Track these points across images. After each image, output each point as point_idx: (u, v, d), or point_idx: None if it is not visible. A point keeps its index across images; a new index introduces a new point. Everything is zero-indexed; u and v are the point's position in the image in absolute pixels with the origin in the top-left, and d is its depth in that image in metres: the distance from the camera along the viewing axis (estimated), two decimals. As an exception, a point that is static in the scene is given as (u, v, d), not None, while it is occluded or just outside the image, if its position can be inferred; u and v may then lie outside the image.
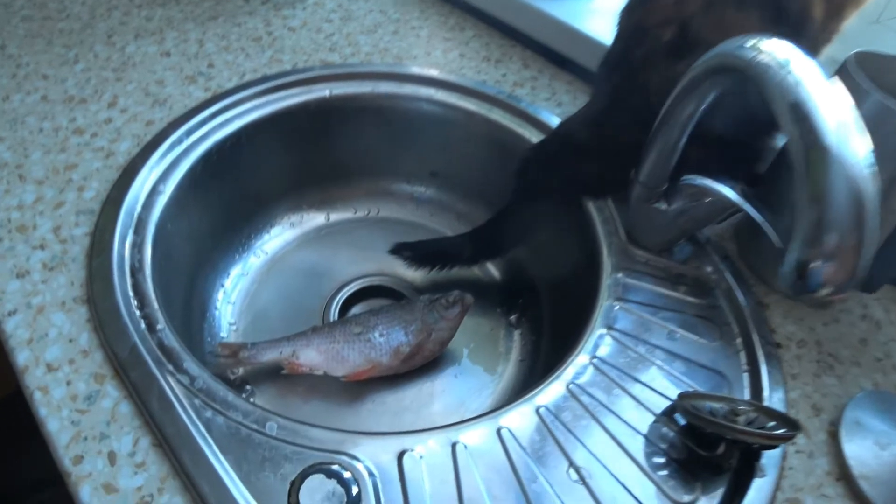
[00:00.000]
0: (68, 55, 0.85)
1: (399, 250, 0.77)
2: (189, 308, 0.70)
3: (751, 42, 0.43)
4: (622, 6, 0.69)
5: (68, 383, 0.52)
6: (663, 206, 0.65)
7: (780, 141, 0.67)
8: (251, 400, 0.55)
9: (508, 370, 0.74)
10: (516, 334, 0.78)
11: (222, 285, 0.77)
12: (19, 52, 0.85)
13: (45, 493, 1.25)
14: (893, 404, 0.60)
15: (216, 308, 0.75)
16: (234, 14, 0.95)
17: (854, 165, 0.36)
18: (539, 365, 0.73)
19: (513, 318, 0.79)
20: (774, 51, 0.41)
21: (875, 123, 0.54)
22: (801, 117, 0.37)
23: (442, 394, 0.71)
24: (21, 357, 0.53)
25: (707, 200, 0.63)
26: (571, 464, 0.51)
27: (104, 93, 0.79)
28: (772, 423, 0.53)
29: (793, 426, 0.52)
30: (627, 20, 0.68)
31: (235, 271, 0.79)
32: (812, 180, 0.37)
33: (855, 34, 0.70)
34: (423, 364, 0.72)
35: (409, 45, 0.92)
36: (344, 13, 0.98)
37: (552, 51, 0.91)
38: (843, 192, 0.36)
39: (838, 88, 0.39)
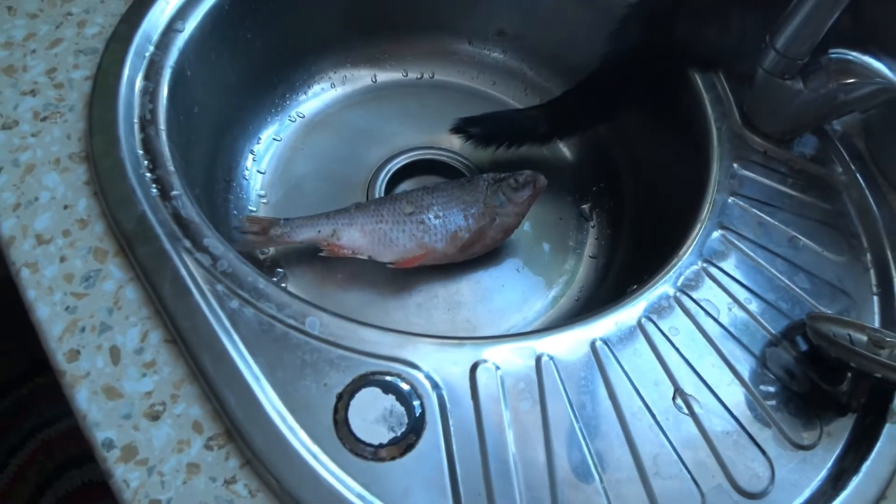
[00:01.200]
0: None
1: (462, 127, 0.65)
2: (211, 175, 0.60)
3: None
4: None
5: (62, 260, 0.42)
6: (798, 84, 0.53)
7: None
8: (283, 286, 0.46)
9: (579, 268, 0.65)
10: (589, 227, 0.67)
11: (251, 151, 0.67)
12: None
13: (42, 378, 1.20)
14: None
15: (244, 177, 0.65)
16: None
17: None
18: (616, 265, 0.63)
19: (586, 207, 0.68)
20: None
21: None
22: None
23: (502, 290, 0.62)
24: (6, 225, 0.44)
25: (854, 82, 0.51)
26: (677, 389, 0.42)
27: None
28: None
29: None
30: None
31: (267, 135, 0.68)
32: None
33: None
34: (482, 253, 0.62)
35: None
36: None
37: None
38: None
39: None
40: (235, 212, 0.62)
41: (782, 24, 0.50)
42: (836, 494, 0.41)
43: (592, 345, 0.43)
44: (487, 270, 0.63)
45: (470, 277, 0.63)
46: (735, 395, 0.43)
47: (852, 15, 0.51)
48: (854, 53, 0.51)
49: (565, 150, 0.72)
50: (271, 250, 0.61)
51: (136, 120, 0.48)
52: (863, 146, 0.60)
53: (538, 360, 0.41)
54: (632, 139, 0.68)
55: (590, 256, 0.66)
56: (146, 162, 0.46)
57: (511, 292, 0.62)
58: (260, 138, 0.68)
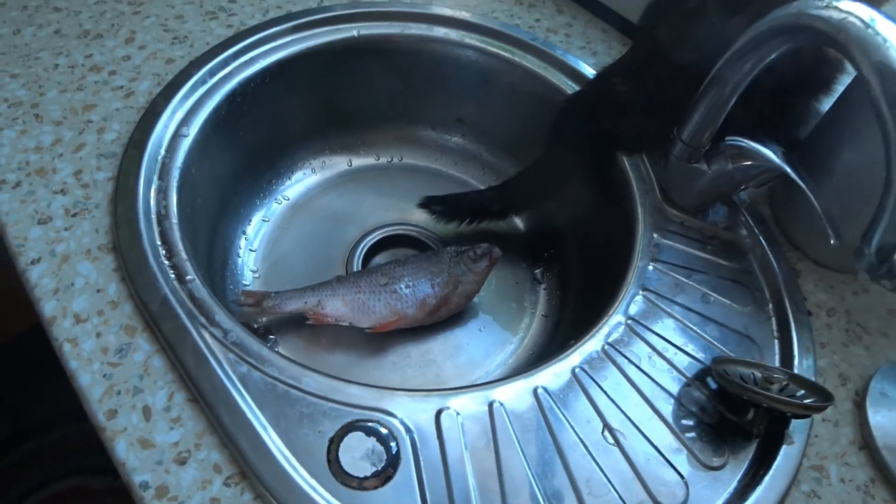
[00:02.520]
0: (81, -15, 0.82)
1: (428, 204, 0.75)
2: (211, 255, 0.69)
3: (827, 1, 0.41)
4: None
5: (98, 335, 0.51)
6: (703, 166, 0.63)
7: (825, 104, 0.65)
8: (278, 352, 0.54)
9: (533, 325, 0.74)
10: (541, 289, 0.77)
11: (244, 232, 0.76)
12: (29, -19, 0.81)
13: (71, 427, 1.26)
14: (921, 376, 0.60)
15: (238, 255, 0.74)
16: (254, -56, 0.91)
17: None
18: (564, 321, 0.73)
19: (538, 272, 0.79)
20: (857, 11, 0.39)
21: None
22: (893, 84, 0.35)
23: (466, 347, 0.71)
24: (48, 307, 0.52)
25: (748, 163, 0.62)
26: (606, 425, 0.51)
27: (121, 27, 0.76)
28: (803, 392, 0.53)
29: (825, 396, 0.51)
30: (678, -31, 0.65)
31: (257, 217, 0.78)
32: None
33: None
34: (448, 317, 0.71)
35: (438, -16, 0.88)
36: (369, -53, 0.93)
37: (587, -5, 0.88)
38: None
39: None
40: (231, 286, 0.71)
41: (686, 120, 0.61)
42: (741, 504, 0.50)
43: (535, 392, 0.52)
44: (453, 331, 0.72)
45: (438, 338, 0.71)
46: (655, 428, 0.52)
47: (744, 109, 0.62)
48: (745, 140, 0.62)
49: (519, 222, 0.83)
50: (264, 319, 0.69)
51: (153, 215, 0.57)
52: (767, 212, 0.70)
53: (490, 405, 0.51)
54: (574, 212, 0.78)
55: (542, 315, 0.75)
56: (164, 251, 0.55)
57: (474, 349, 0.71)
58: (251, 220, 0.77)
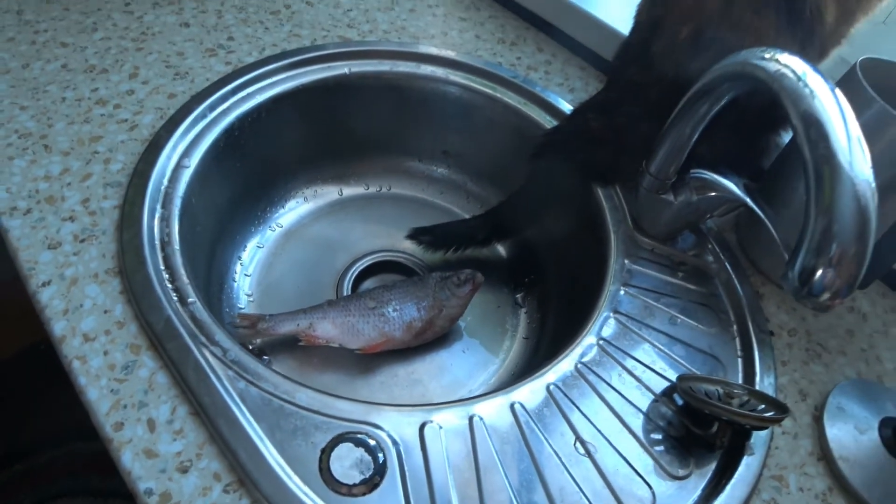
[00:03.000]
0: (86, 22, 0.86)
1: (416, 235, 0.79)
2: (209, 279, 0.73)
3: (769, 53, 0.46)
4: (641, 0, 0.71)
5: (105, 353, 0.55)
6: (670, 197, 0.68)
7: (785, 138, 0.70)
8: (271, 368, 0.58)
9: (514, 347, 0.78)
10: (522, 312, 0.81)
11: (239, 257, 0.80)
12: (36, 18, 0.86)
13: (61, 449, 1.28)
14: (874, 392, 0.64)
15: (234, 280, 0.78)
16: (251, -15, 0.96)
17: (861, 182, 0.39)
18: (543, 343, 0.77)
19: (519, 296, 0.83)
20: (792, 64, 0.44)
21: (877, 130, 0.58)
22: (817, 131, 0.40)
23: (451, 368, 0.75)
24: (58, 327, 0.56)
25: (712, 194, 0.67)
26: (578, 437, 0.55)
27: (125, 63, 0.80)
28: (762, 407, 0.57)
29: (782, 410, 0.56)
30: (647, 14, 0.70)
31: (252, 243, 0.82)
32: (823, 193, 0.40)
33: (863, 35, 0.73)
34: (433, 339, 0.75)
35: (426, 24, 0.93)
36: (360, -12, 0.99)
37: (566, 35, 0.93)
38: (850, 206, 0.39)
39: (846, 105, 0.42)
40: (228, 309, 0.75)
41: (653, 154, 0.66)
42: (704, 513, 0.54)
43: (512, 407, 0.56)
44: (438, 353, 0.76)
45: (424, 359, 0.75)
46: (624, 441, 0.56)
47: (708, 144, 0.67)
48: (709, 173, 0.67)
49: (501, 250, 0.87)
50: (258, 341, 0.72)
51: (157, 242, 0.61)
52: (733, 238, 0.75)
53: (471, 419, 0.55)
54: (553, 239, 0.83)
55: (523, 337, 0.79)
56: (167, 275, 0.59)
57: (458, 370, 0.75)
58: (246, 246, 0.81)
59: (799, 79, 0.42)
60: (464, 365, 0.75)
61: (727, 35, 0.62)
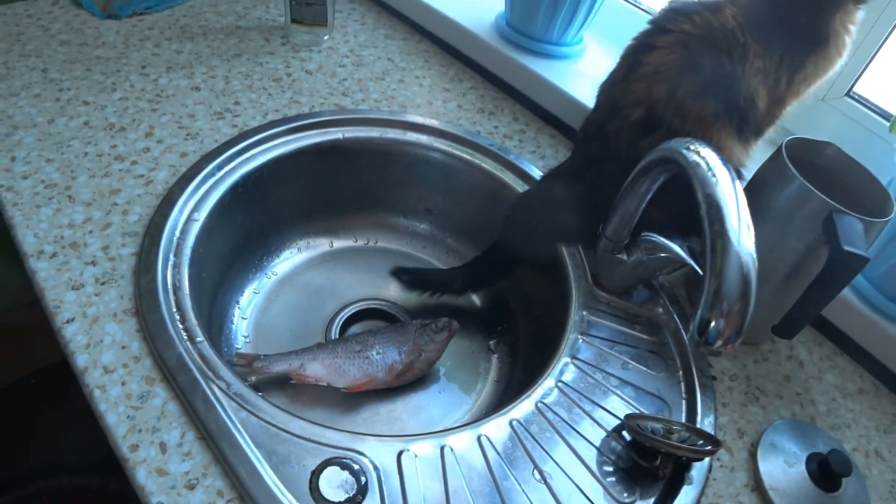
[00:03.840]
0: (106, 82, 0.95)
1: (398, 273, 0.88)
2: (210, 321, 0.80)
3: (693, 145, 0.56)
4: (603, 82, 0.81)
5: (123, 384, 0.62)
6: (624, 256, 0.77)
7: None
8: (269, 401, 0.65)
9: (486, 389, 0.86)
10: (494, 357, 0.89)
11: (238, 302, 0.88)
12: (60, 77, 0.94)
13: (53, 480, 1.33)
14: (805, 431, 0.73)
15: (232, 322, 0.85)
16: (257, 53, 1.06)
17: (745, 255, 0.49)
18: (513, 385, 0.85)
19: (492, 343, 0.91)
20: (706, 156, 0.54)
21: (798, 202, 0.68)
22: (715, 211, 0.50)
23: (427, 406, 0.82)
24: (80, 360, 0.63)
25: (661, 255, 0.76)
26: (536, 467, 0.63)
27: (141, 122, 0.89)
28: (700, 442, 0.66)
29: (716, 443, 0.64)
30: (606, 96, 0.80)
31: (250, 289, 0.90)
32: (716, 261, 0.49)
33: (805, 111, 0.84)
34: (413, 380, 0.82)
35: (413, 93, 1.03)
36: (356, 59, 1.09)
37: (539, 107, 1.03)
38: (736, 272, 0.49)
39: (741, 194, 0.51)
40: (226, 348, 0.82)
41: (608, 220, 0.76)
42: (646, 536, 0.62)
43: (479, 439, 0.64)
44: (417, 393, 0.83)
45: (404, 399, 0.82)
46: (577, 470, 0.64)
47: (658, 210, 0.76)
48: (657, 236, 0.76)
49: (476, 300, 0.96)
50: (253, 378, 0.79)
51: (169, 287, 0.69)
52: (682, 293, 0.84)
53: (442, 449, 0.62)
54: (522, 292, 0.92)
55: (494, 380, 0.87)
56: (178, 317, 0.67)
57: (435, 409, 0.83)
58: (244, 292, 0.89)
59: (709, 168, 0.52)
60: (439, 405, 0.83)
61: (673, 119, 0.72)
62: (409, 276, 0.89)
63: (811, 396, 0.78)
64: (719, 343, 0.48)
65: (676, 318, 0.80)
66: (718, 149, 0.73)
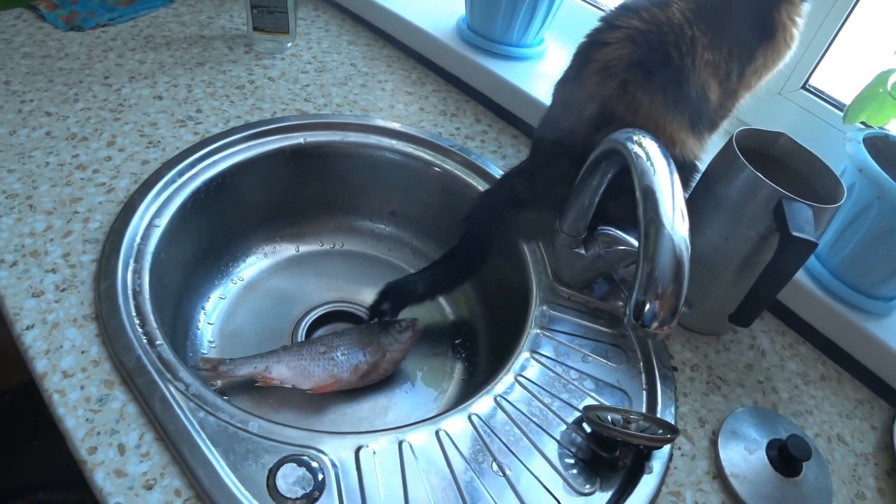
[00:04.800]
0: (69, 93, 0.95)
1: (377, 309, 0.83)
2: (175, 327, 0.80)
3: (636, 136, 0.57)
4: (557, 80, 0.83)
5: (82, 388, 0.62)
6: (582, 251, 0.78)
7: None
8: (227, 401, 0.66)
9: (451, 388, 0.86)
10: (459, 357, 0.90)
11: (203, 307, 0.88)
12: (23, 89, 0.95)
13: (31, 497, 1.32)
14: (767, 418, 0.74)
15: (198, 328, 0.85)
16: (220, 61, 1.07)
17: (678, 238, 0.50)
18: (476, 383, 0.85)
19: (457, 342, 0.92)
20: (646, 146, 0.55)
21: (748, 191, 0.69)
22: (650, 198, 0.51)
23: (394, 406, 0.83)
24: (40, 365, 0.63)
25: (619, 248, 0.77)
26: (495, 460, 0.64)
27: (103, 132, 0.90)
28: (660, 431, 0.66)
29: (673, 431, 0.65)
30: (560, 94, 0.82)
31: (215, 295, 0.90)
32: (649, 246, 0.50)
33: (760, 104, 0.85)
34: (378, 380, 0.83)
35: (376, 97, 1.04)
36: (319, 65, 1.10)
37: (501, 108, 1.04)
38: (668, 255, 0.50)
39: (678, 183, 0.53)
40: (192, 354, 0.82)
41: (564, 215, 0.77)
42: (605, 524, 0.63)
43: (437, 434, 0.64)
44: (383, 393, 0.84)
45: (369, 399, 0.83)
46: (536, 463, 0.65)
47: (615, 205, 0.78)
48: (613, 230, 0.77)
49: (442, 301, 0.97)
50: (219, 382, 0.79)
51: (129, 292, 0.70)
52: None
53: (400, 444, 0.63)
54: (485, 292, 0.93)
55: (460, 379, 0.88)
56: (138, 321, 0.67)
57: (400, 409, 0.83)
58: (209, 298, 0.89)
59: (647, 158, 0.53)
60: (406, 404, 0.84)
61: (625, 113, 0.74)
62: (388, 303, 0.85)
63: (773, 384, 0.79)
64: (655, 325, 0.49)
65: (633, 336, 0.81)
66: (672, 142, 0.76)
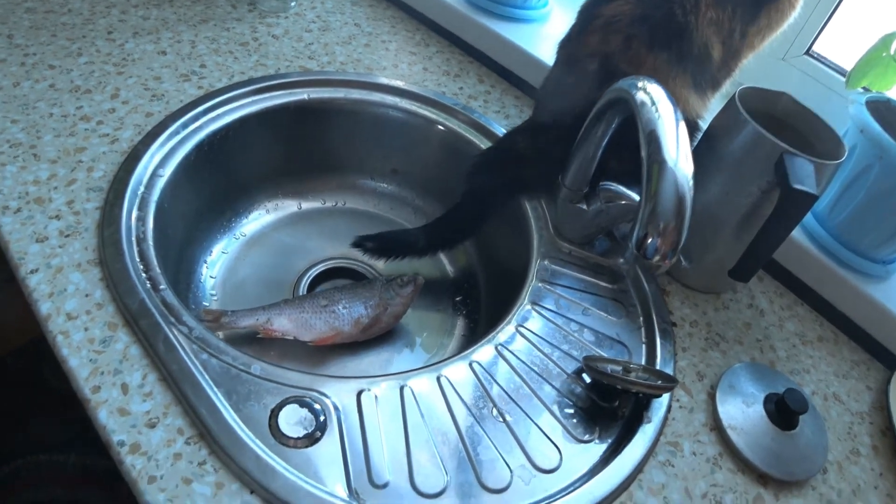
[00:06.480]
0: (72, 48, 0.95)
1: (360, 243, 0.86)
2: (178, 278, 0.81)
3: (640, 82, 0.57)
4: (561, 38, 0.82)
5: (86, 329, 0.63)
6: (584, 206, 0.78)
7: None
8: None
9: (452, 343, 0.87)
10: (460, 313, 0.91)
11: (205, 261, 0.88)
12: (26, 42, 0.94)
13: (32, 458, 1.33)
14: (764, 374, 0.75)
15: (200, 280, 0.86)
16: (224, 19, 1.06)
17: (681, 176, 0.50)
18: (477, 337, 0.86)
19: (458, 298, 0.92)
20: (651, 92, 0.55)
21: (750, 147, 0.69)
22: (654, 140, 0.51)
23: (394, 361, 0.83)
24: (44, 307, 0.64)
25: (620, 203, 0.77)
26: (495, 406, 0.64)
27: (107, 85, 0.89)
28: (659, 382, 0.67)
29: (672, 381, 0.65)
30: (564, 51, 0.81)
31: (217, 248, 0.90)
32: (652, 183, 0.50)
33: (763, 69, 0.85)
34: (379, 334, 0.83)
35: (379, 57, 1.04)
36: (322, 24, 1.10)
37: (505, 69, 1.04)
38: (671, 191, 0.50)
39: (682, 127, 0.53)
40: (194, 306, 0.83)
41: (566, 169, 0.77)
42: (604, 468, 0.62)
43: (438, 380, 0.65)
44: (384, 347, 0.85)
45: (371, 353, 0.83)
46: (536, 410, 0.65)
47: (617, 161, 0.78)
48: (615, 185, 0.77)
49: (443, 257, 0.97)
50: (221, 334, 0.80)
51: (133, 238, 0.70)
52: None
53: (402, 389, 0.64)
54: (487, 248, 0.93)
55: (461, 335, 0.88)
56: (141, 266, 0.68)
57: (401, 363, 0.83)
58: (212, 251, 0.90)
59: (653, 104, 0.53)
60: (406, 358, 0.84)
61: (627, 69, 0.73)
62: (373, 242, 0.87)
63: (771, 343, 0.80)
64: (657, 258, 0.50)
65: (639, 267, 0.81)
66: (675, 99, 0.75)
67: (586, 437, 0.65)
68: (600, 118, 0.67)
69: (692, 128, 0.79)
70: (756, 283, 0.87)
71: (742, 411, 0.70)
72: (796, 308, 0.85)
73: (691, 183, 0.50)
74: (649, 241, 0.49)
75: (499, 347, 0.69)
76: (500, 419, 0.64)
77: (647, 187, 0.50)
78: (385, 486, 0.57)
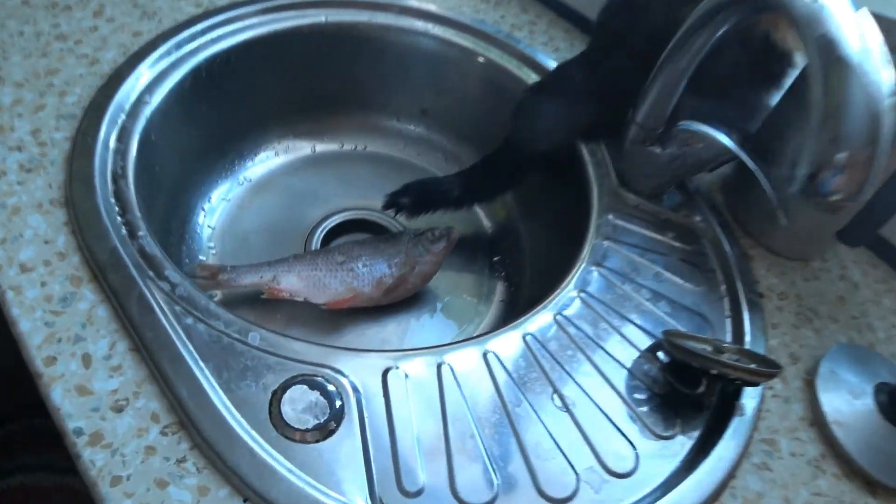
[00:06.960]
0: (50, -40, 0.82)
1: (394, 202, 0.74)
2: (168, 226, 0.69)
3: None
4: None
5: (43, 284, 0.51)
6: (657, 149, 0.65)
7: (774, 99, 0.67)
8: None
9: (490, 310, 0.74)
10: (498, 275, 0.78)
11: (203, 208, 0.76)
12: (-3, -45, 0.81)
13: (16, 425, 1.24)
14: (867, 358, 0.61)
15: (196, 230, 0.74)
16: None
17: (874, 85, 0.35)
18: (520, 306, 0.73)
19: (496, 259, 0.79)
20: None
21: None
22: (825, 38, 0.36)
23: (422, 329, 0.71)
24: (-7, 257, 0.52)
25: (700, 146, 0.63)
26: (556, 391, 0.52)
27: (90, 1, 0.76)
28: (753, 365, 0.54)
29: (774, 366, 0.52)
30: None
31: (217, 195, 0.78)
32: (831, 91, 0.36)
33: None
34: (404, 297, 0.71)
35: (408, -23, 0.90)
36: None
37: (553, -2, 0.90)
38: (861, 105, 0.35)
39: (866, 17, 0.38)
40: (188, 260, 0.71)
41: (640, 103, 0.63)
42: (689, 474, 0.50)
43: (485, 356, 0.52)
44: (410, 313, 0.73)
45: (394, 319, 0.72)
46: (606, 397, 0.53)
47: (697, 98, 0.64)
48: (698, 124, 0.63)
49: (478, 210, 0.84)
50: (218, 294, 0.68)
51: (109, 174, 0.57)
52: (720, 200, 0.72)
53: (439, 367, 0.51)
54: (532, 200, 0.80)
55: (500, 301, 0.76)
56: (117, 208, 0.55)
57: (429, 332, 0.71)
58: (211, 197, 0.77)
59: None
60: (436, 326, 0.72)
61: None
62: (408, 198, 0.75)
63: (868, 321, 0.66)
64: (836, 197, 0.35)
65: (716, 225, 0.68)
66: (774, 24, 0.62)
67: (666, 433, 0.52)
68: (702, 26, 0.52)
69: (786, 63, 0.65)
70: (847, 252, 0.74)
71: (849, 404, 0.57)
72: (892, 282, 0.72)
73: (892, 100, 0.35)
74: (826, 173, 0.35)
75: (558, 317, 0.56)
76: (563, 408, 0.51)
77: (822, 99, 0.36)
78: (419, 493, 0.45)
